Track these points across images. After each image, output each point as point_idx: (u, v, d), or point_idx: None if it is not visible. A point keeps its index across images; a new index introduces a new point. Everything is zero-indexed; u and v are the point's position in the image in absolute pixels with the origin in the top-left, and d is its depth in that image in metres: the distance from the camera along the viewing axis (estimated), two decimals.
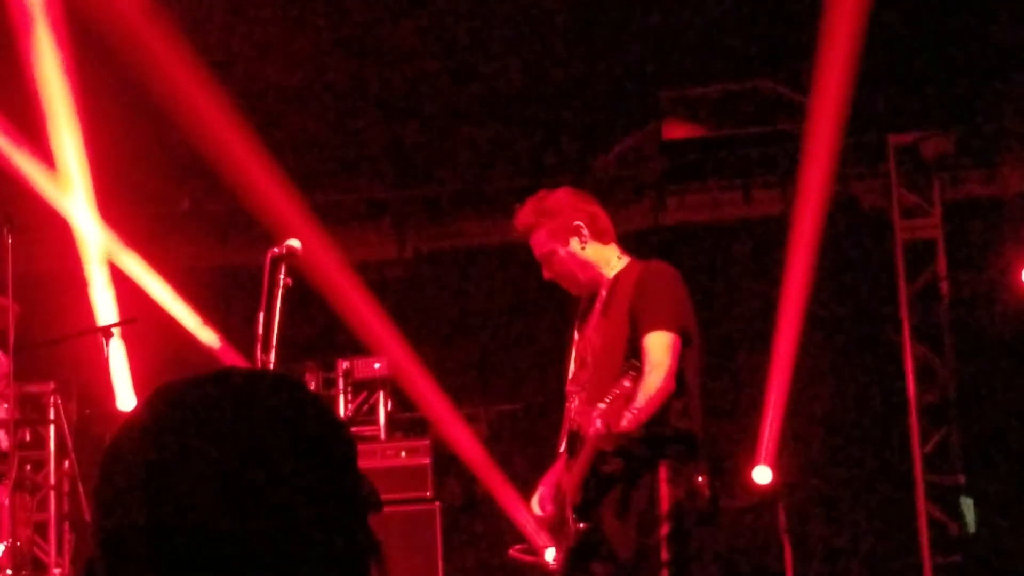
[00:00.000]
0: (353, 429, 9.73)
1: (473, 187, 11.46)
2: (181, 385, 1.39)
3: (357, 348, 10.14)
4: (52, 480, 9.48)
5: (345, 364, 10.23)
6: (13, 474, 8.28)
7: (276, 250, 6.16)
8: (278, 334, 5.97)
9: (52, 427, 9.51)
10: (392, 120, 10.94)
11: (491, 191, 11.40)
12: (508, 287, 11.17)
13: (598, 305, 5.80)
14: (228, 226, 11.76)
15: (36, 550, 8.96)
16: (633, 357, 5.44)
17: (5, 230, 8.31)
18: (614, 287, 5.76)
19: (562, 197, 5.91)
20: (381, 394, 10.19)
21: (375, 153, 11.34)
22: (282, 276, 6.08)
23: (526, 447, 10.23)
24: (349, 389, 10.18)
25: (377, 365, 10.19)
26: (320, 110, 10.86)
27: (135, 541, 1.31)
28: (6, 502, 8.36)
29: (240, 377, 1.39)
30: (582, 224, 5.80)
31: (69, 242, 10.67)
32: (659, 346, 5.50)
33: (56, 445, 9.64)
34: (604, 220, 5.92)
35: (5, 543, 8.15)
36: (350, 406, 10.19)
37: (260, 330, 6.00)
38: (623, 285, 5.73)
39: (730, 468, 10.33)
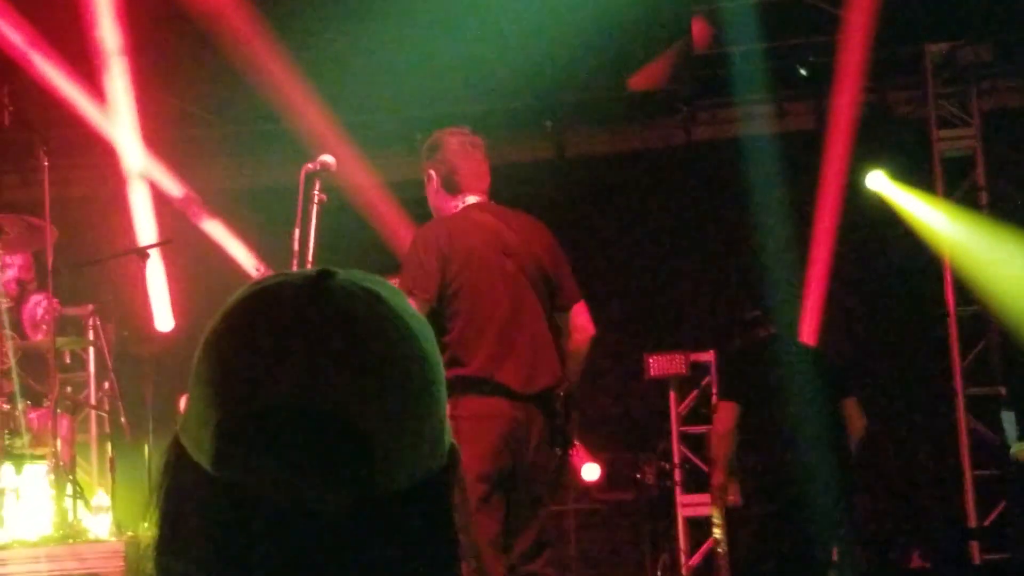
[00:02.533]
0: None
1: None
2: (277, 282, 1.41)
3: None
4: (93, 400, 9.57)
5: (393, 280, 10.23)
6: (55, 395, 8.35)
7: (310, 165, 6.18)
8: (314, 249, 6.00)
9: (92, 348, 9.59)
10: None
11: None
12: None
13: None
14: (263, 145, 11.76)
15: (78, 470, 9.04)
16: None
17: (42, 153, 8.33)
18: None
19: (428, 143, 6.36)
20: None
21: None
22: (316, 192, 6.09)
23: None
24: None
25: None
26: None
27: (253, 426, 1.33)
28: (48, 423, 8.44)
29: (338, 281, 1.41)
30: (435, 174, 6.22)
31: (106, 165, 10.74)
32: None
33: (96, 366, 9.73)
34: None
35: (49, 463, 8.24)
36: None
37: (296, 246, 6.03)
38: None
39: None
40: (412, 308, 1.42)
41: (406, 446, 1.35)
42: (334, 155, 6.45)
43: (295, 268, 5.97)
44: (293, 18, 10.27)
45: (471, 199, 6.18)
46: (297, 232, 6.05)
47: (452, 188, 6.19)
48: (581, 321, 6.23)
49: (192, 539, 1.38)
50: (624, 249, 11.41)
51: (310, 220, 6.05)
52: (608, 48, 10.55)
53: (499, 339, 5.84)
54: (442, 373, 1.42)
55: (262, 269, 9.99)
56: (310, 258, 6.00)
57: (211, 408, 1.35)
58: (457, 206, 6.16)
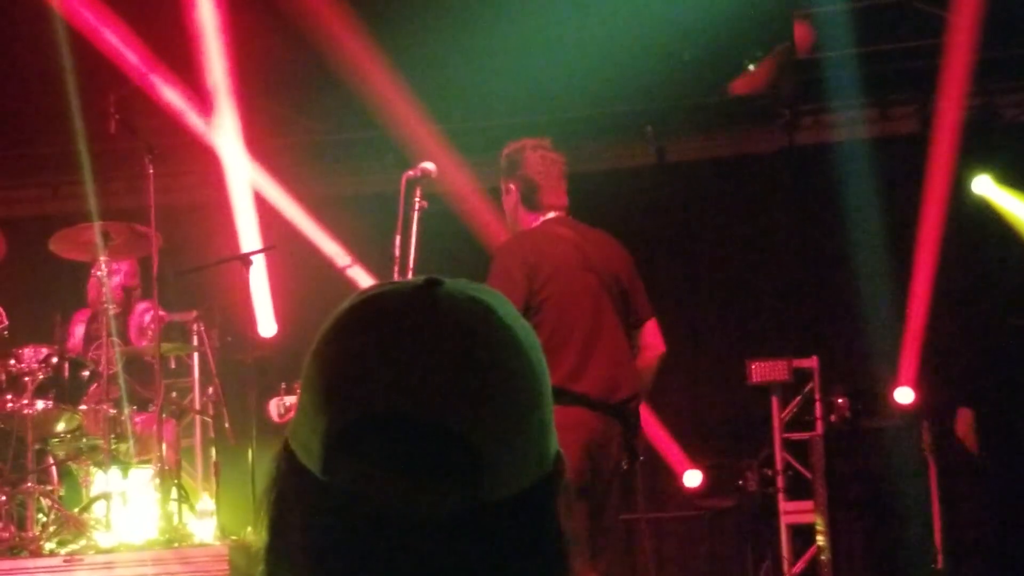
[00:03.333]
0: None
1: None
2: (386, 291, 1.43)
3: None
4: (197, 405, 9.67)
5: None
6: (160, 401, 8.46)
7: (411, 172, 6.21)
8: (415, 256, 6.04)
9: (196, 354, 9.70)
10: None
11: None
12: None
13: None
14: (365, 152, 11.82)
15: (183, 474, 9.13)
16: None
17: (147, 160, 8.45)
18: None
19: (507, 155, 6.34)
20: None
21: None
22: (417, 199, 6.13)
23: None
24: None
25: None
26: None
27: (361, 433, 1.35)
28: (154, 428, 8.55)
29: (447, 291, 1.42)
30: (515, 188, 6.24)
31: (210, 172, 10.86)
32: None
33: (200, 371, 9.82)
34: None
35: (154, 468, 8.34)
36: None
37: (397, 252, 6.06)
38: None
39: (873, 389, 10.27)
40: (519, 316, 1.42)
41: (513, 454, 1.36)
42: (435, 161, 6.49)
43: (396, 274, 6.01)
44: (394, 24, 10.33)
45: (551, 215, 6.24)
46: (398, 239, 6.09)
47: (533, 204, 6.24)
48: (652, 339, 6.32)
49: (301, 544, 1.39)
50: (725, 254, 11.34)
51: (411, 227, 6.08)
52: (709, 52, 10.50)
53: (582, 351, 5.88)
54: (548, 381, 1.43)
55: (349, 263, 10.06)
56: (411, 264, 6.03)
57: (320, 414, 1.37)
58: (530, 222, 6.23)
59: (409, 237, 6.08)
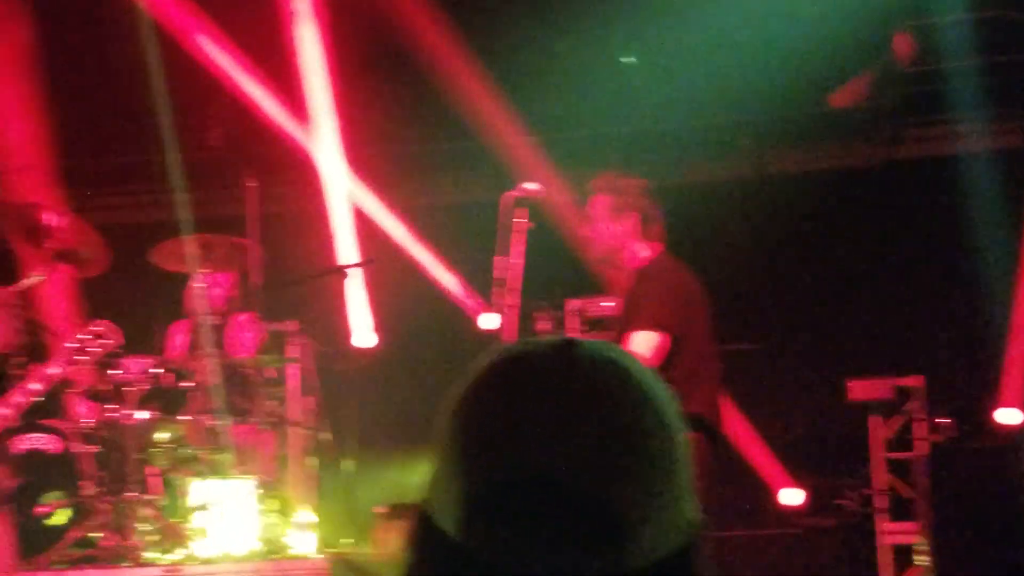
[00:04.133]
0: None
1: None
2: (524, 351, 1.41)
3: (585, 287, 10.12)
4: (294, 417, 9.70)
5: (576, 303, 10.20)
6: (260, 412, 8.50)
7: (513, 193, 6.20)
8: (518, 277, 6.02)
9: (293, 365, 9.72)
10: None
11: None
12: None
13: (624, 293, 6.44)
14: (462, 163, 11.82)
15: (282, 486, 9.16)
16: None
17: (248, 173, 8.50)
18: (634, 279, 6.32)
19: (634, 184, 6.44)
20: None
21: None
22: (520, 219, 6.11)
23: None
24: (586, 328, 10.14)
25: (613, 304, 10.15)
26: None
27: (500, 498, 1.34)
28: (253, 440, 8.60)
29: (584, 352, 1.40)
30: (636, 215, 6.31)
31: (309, 182, 10.91)
32: (638, 343, 5.93)
33: (297, 382, 9.86)
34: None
35: (253, 479, 8.39)
36: None
37: (499, 274, 6.05)
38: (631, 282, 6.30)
39: (975, 409, 10.11)
40: (655, 376, 1.41)
41: (656, 520, 1.34)
42: (531, 172, 6.50)
43: (494, 294, 5.99)
44: (493, 35, 10.33)
45: (660, 249, 6.39)
46: (498, 260, 6.07)
47: (650, 235, 6.35)
48: None
49: None
50: (824, 269, 11.22)
51: (513, 248, 6.07)
52: (809, 65, 10.40)
53: (711, 380, 5.97)
54: (687, 444, 1.41)
55: (466, 293, 10.05)
56: (516, 287, 6.01)
57: (458, 476, 1.37)
58: (644, 251, 6.33)
59: (511, 259, 6.07)
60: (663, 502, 1.35)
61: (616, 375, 1.37)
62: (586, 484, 1.31)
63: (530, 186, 6.27)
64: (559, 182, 9.42)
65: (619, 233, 6.32)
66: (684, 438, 1.40)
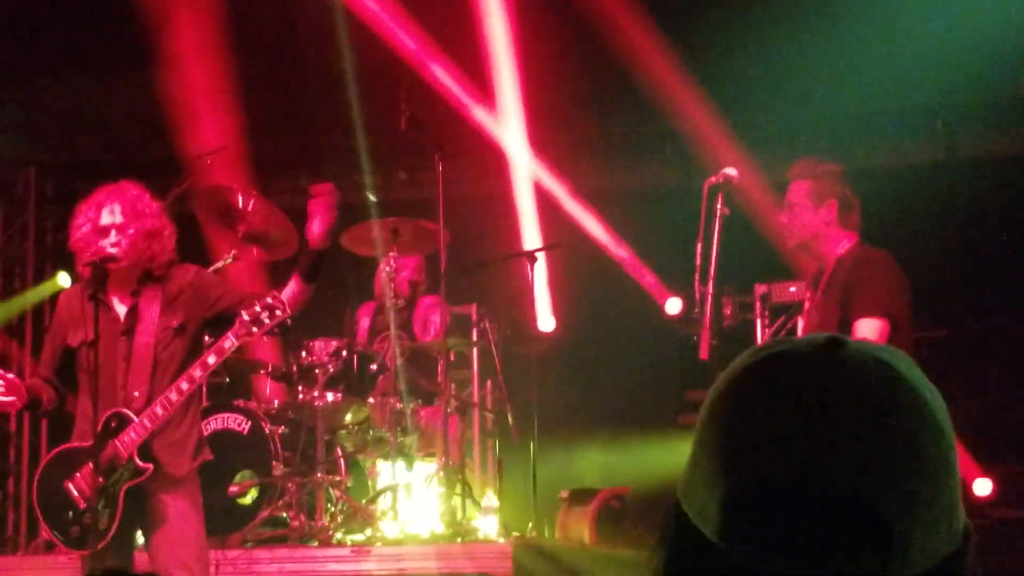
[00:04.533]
0: None
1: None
2: (786, 349, 1.36)
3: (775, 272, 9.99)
4: (476, 399, 9.75)
5: (762, 288, 10.07)
6: (447, 396, 8.54)
7: (713, 179, 6.12)
8: (715, 265, 5.95)
9: (476, 348, 9.76)
10: None
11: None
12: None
13: (822, 282, 6.23)
14: (645, 146, 11.75)
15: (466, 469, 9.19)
16: None
17: (436, 157, 8.52)
18: (836, 267, 6.17)
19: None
20: (799, 320, 10.01)
21: None
22: (719, 205, 6.04)
23: None
24: (767, 314, 10.01)
25: (794, 289, 10.01)
26: None
27: (764, 502, 1.29)
28: (437, 422, 8.64)
29: (852, 351, 1.34)
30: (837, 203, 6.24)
31: (493, 165, 10.92)
32: (867, 331, 5.85)
33: (480, 365, 9.90)
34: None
35: (438, 462, 8.44)
36: (767, 331, 10.04)
37: (698, 260, 5.98)
38: (843, 267, 6.14)
39: None
40: (925, 378, 1.34)
41: (923, 529, 1.28)
42: (719, 156, 6.43)
43: (697, 284, 5.92)
44: (675, 15, 10.22)
45: (856, 237, 6.32)
46: (699, 247, 6.01)
47: (847, 224, 6.29)
48: None
49: None
50: (1016, 255, 10.94)
51: (712, 234, 5.99)
52: (1002, 48, 10.13)
53: None
54: (955, 448, 1.34)
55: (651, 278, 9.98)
56: (712, 273, 5.94)
57: (719, 480, 1.32)
58: (843, 240, 6.27)
59: (711, 245, 6.00)
60: (934, 510, 1.30)
61: (886, 376, 1.31)
62: (855, 490, 1.26)
63: (730, 171, 6.19)
64: (748, 166, 9.30)
65: (818, 220, 6.24)
66: (953, 441, 1.33)
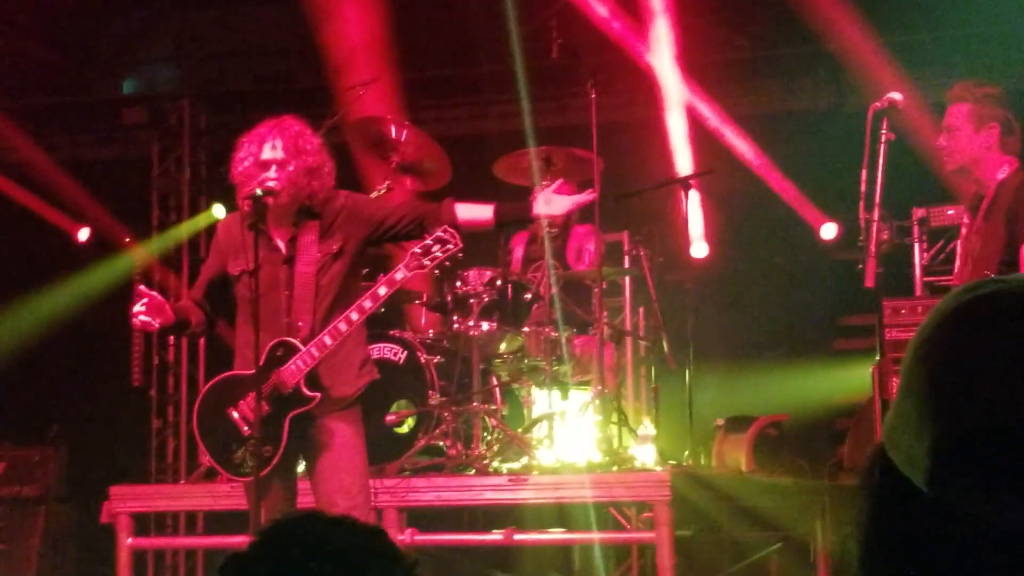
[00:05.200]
0: (926, 279, 9.48)
1: None
2: (999, 289, 1.31)
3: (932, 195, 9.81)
4: (628, 326, 9.71)
5: (920, 212, 9.90)
6: (601, 324, 8.52)
7: (878, 104, 6.00)
8: (880, 192, 5.84)
9: (627, 276, 9.72)
10: None
11: None
12: None
13: (983, 206, 6.05)
14: (796, 69, 11.57)
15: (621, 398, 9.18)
16: (1008, 265, 5.54)
17: (589, 84, 8.45)
18: (999, 192, 6.00)
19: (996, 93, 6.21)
20: (957, 244, 9.80)
21: None
22: (884, 131, 5.91)
23: None
24: (924, 238, 9.84)
25: (952, 212, 9.82)
26: None
27: (987, 443, 1.24)
28: (592, 351, 8.63)
29: None
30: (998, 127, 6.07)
31: (643, 91, 10.83)
32: None
33: (632, 293, 9.85)
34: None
35: (593, 390, 8.43)
36: (925, 255, 9.87)
37: (863, 187, 5.87)
38: (1006, 192, 5.96)
39: None
40: None
41: None
42: (872, 78, 6.30)
43: (862, 211, 5.82)
44: None
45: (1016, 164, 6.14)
46: (864, 173, 5.89)
47: (1008, 149, 6.13)
48: None
49: (897, 557, 1.31)
50: None
51: (877, 160, 5.88)
52: None
53: None
54: None
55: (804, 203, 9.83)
56: (877, 200, 5.83)
57: (927, 424, 1.27)
58: (1000, 164, 6.11)
59: (876, 171, 5.89)
60: None
61: None
62: None
63: (895, 96, 6.05)
64: (906, 88, 9.11)
65: (978, 145, 6.10)
66: None
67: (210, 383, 6.38)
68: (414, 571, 1.96)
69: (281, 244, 6.18)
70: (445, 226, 6.05)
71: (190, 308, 6.34)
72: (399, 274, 5.98)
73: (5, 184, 12.16)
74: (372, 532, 1.97)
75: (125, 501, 8.35)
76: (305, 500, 6.32)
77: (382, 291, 6.00)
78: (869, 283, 5.91)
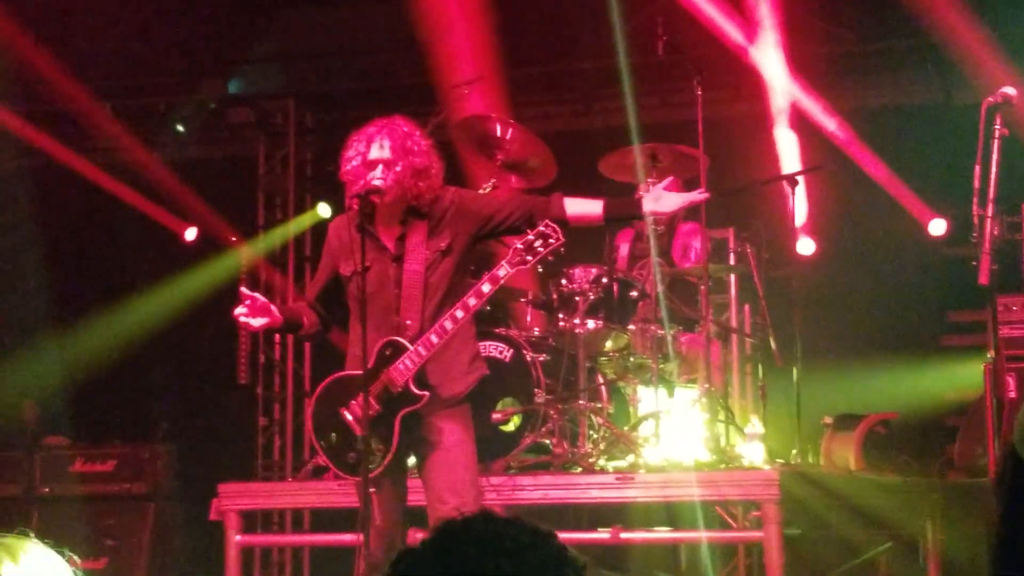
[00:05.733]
0: None
1: None
2: None
3: None
4: (734, 323, 9.65)
5: None
6: (708, 321, 8.49)
7: (991, 99, 5.91)
8: (994, 187, 5.75)
9: (732, 272, 9.66)
10: None
11: None
12: None
13: None
14: (903, 63, 11.43)
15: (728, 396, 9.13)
16: None
17: (695, 81, 8.41)
18: None
19: None
20: None
21: None
22: (998, 126, 5.83)
23: None
24: None
25: None
26: None
27: None
28: (698, 348, 8.59)
29: None
30: None
31: (751, 87, 10.76)
32: None
33: (738, 290, 9.79)
34: None
35: (700, 388, 8.40)
36: None
37: (976, 183, 5.79)
38: None
39: None
40: None
41: None
42: (980, 71, 6.20)
43: (975, 207, 5.73)
44: None
45: None
46: (978, 169, 5.81)
47: None
48: None
49: None
50: None
51: (991, 157, 5.79)
52: None
53: None
54: None
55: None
56: (991, 196, 5.75)
57: None
58: None
59: (989, 167, 5.79)
60: None
61: None
62: None
63: (1009, 91, 5.95)
64: (1015, 81, 8.98)
65: None
66: None
67: (323, 383, 6.40)
68: (583, 573, 1.97)
69: (389, 243, 6.20)
70: (547, 221, 6.04)
71: (303, 310, 6.40)
72: (502, 270, 5.97)
73: (114, 185, 12.33)
74: (545, 533, 1.98)
75: (233, 498, 8.44)
76: (415, 498, 6.35)
77: (486, 288, 6.00)
78: (983, 280, 5.82)
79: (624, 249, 9.39)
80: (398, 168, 6.09)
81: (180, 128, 12.09)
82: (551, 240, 5.97)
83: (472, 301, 6.02)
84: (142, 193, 12.25)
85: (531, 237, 5.98)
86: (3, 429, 11.57)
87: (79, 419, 11.49)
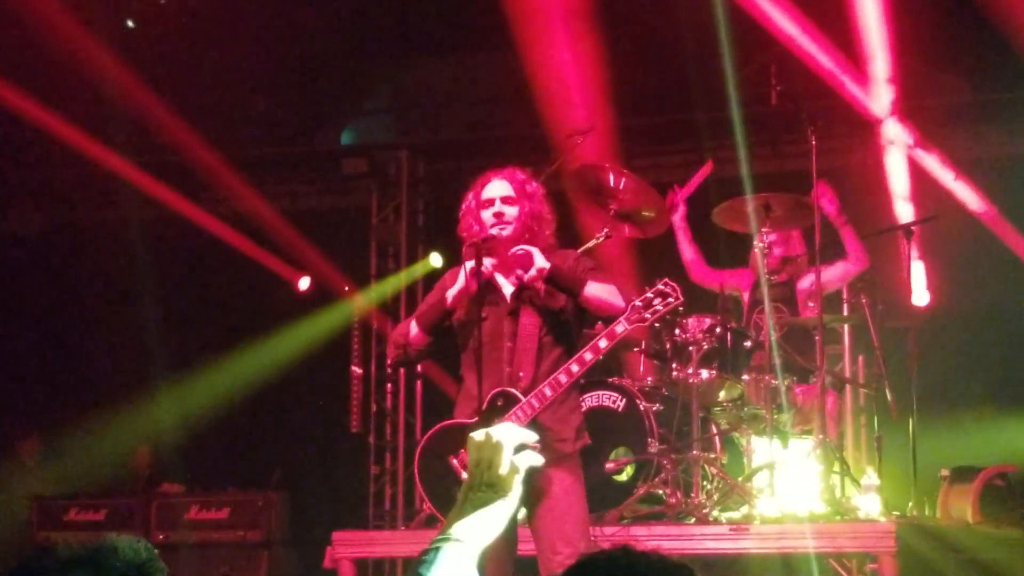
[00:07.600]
0: None
1: None
2: None
3: None
4: (848, 374, 9.56)
5: None
6: (823, 372, 8.40)
7: None
8: None
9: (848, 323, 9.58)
10: None
11: None
12: None
13: None
14: (1017, 113, 11.31)
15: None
16: None
17: (810, 131, 8.37)
18: None
19: None
20: None
21: None
22: None
23: None
24: None
25: None
26: None
27: None
28: (813, 400, 8.51)
29: None
30: None
31: (863, 135, 10.69)
32: None
33: (852, 340, 9.71)
34: None
35: (815, 440, 8.31)
36: None
37: None
38: None
39: None
40: None
41: None
42: None
43: None
44: None
45: None
46: None
47: None
48: None
49: None
50: None
51: None
52: None
53: None
54: None
55: None
56: None
57: None
58: None
59: None
60: None
61: None
62: None
63: None
64: None
65: None
66: None
67: (431, 431, 6.39)
68: None
69: (507, 294, 6.21)
70: (666, 279, 6.04)
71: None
72: (619, 327, 5.96)
73: (229, 234, 12.49)
74: (681, 566, 1.98)
75: (348, 546, 8.46)
76: (525, 548, 6.31)
77: (602, 344, 5.98)
78: None
79: (745, 296, 9.33)
80: (519, 209, 6.13)
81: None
82: (670, 299, 5.98)
83: (588, 356, 6.01)
84: (257, 243, 12.40)
85: (650, 295, 5.98)
86: (119, 476, 11.73)
87: (194, 466, 11.60)
